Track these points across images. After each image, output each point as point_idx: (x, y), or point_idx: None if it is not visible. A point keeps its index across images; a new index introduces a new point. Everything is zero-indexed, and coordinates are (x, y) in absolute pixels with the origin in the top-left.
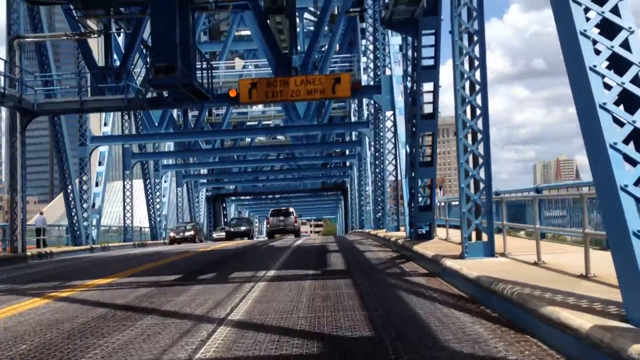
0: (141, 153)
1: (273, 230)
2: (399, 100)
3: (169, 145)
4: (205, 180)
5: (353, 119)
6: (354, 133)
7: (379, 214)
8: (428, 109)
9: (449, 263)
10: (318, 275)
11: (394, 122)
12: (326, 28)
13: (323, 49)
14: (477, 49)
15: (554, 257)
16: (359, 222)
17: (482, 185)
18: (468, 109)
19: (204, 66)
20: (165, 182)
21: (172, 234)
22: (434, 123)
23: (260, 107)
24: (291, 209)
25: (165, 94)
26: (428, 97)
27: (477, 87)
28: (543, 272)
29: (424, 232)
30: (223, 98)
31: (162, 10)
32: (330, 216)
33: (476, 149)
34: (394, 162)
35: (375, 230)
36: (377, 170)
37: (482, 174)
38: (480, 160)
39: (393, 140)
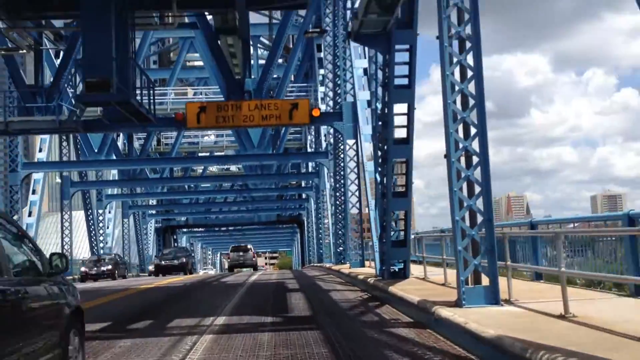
0: (82, 182)
1: (233, 265)
2: (366, 127)
3: (113, 174)
4: (154, 212)
5: (310, 150)
6: (310, 164)
7: (340, 248)
8: (401, 133)
9: (445, 313)
10: (279, 325)
11: (357, 150)
12: (280, 60)
13: (278, 77)
14: (470, 57)
15: (575, 304)
16: (317, 256)
17: (480, 218)
18: (460, 127)
19: (147, 85)
20: (109, 212)
21: (83, 269)
22: (408, 148)
23: (212, 137)
24: (249, 246)
25: (99, 112)
26: (401, 120)
27: (472, 102)
28: (584, 331)
29: (396, 269)
30: (168, 122)
31: (95, 21)
32: (286, 249)
33: (472, 174)
34: (357, 193)
35: (336, 265)
36: (338, 202)
37: (479, 205)
38: (478, 188)
39: (356, 170)
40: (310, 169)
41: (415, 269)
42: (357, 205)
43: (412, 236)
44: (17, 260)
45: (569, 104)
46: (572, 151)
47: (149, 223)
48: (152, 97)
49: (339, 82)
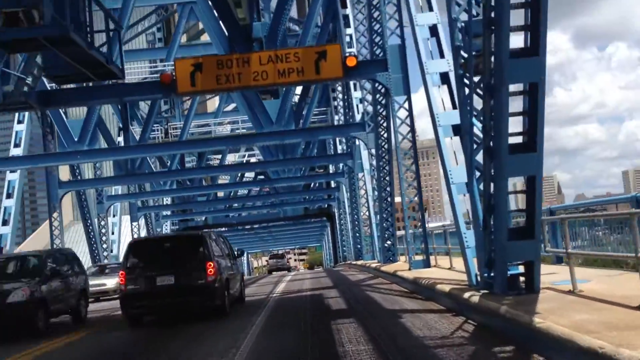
0: (72, 181)
1: (272, 269)
2: (433, 63)
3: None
4: (168, 212)
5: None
6: (340, 147)
7: (389, 242)
8: (519, 40)
9: None
10: None
11: (410, 109)
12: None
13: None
14: None
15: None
16: (354, 252)
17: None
18: None
19: (111, 29)
20: (114, 216)
21: None
22: (536, 64)
23: (227, 126)
24: (284, 253)
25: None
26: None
27: None
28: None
29: (514, 275)
30: (151, 87)
31: None
32: (315, 244)
33: None
34: (413, 167)
35: (385, 264)
36: (383, 184)
37: None
38: None
39: (410, 136)
40: (340, 151)
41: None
42: (415, 184)
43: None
44: None
45: (593, 81)
46: (599, 128)
47: (163, 225)
48: (119, 45)
49: (376, 17)
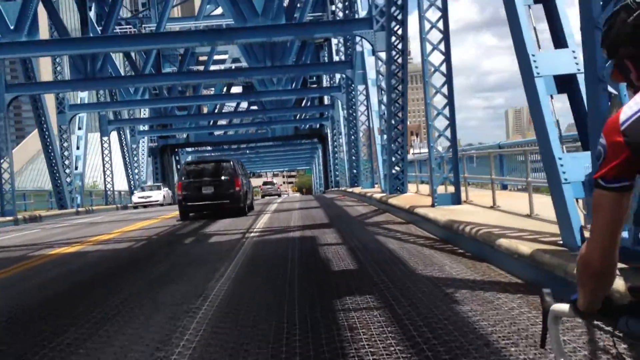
0: (21, 84)
1: (265, 194)
2: None
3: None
4: (146, 127)
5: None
6: (336, 54)
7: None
8: None
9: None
10: None
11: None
12: None
13: None
14: None
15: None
16: (348, 178)
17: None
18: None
19: None
20: (79, 129)
21: None
22: None
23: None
24: (275, 181)
25: None
26: None
27: None
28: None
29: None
30: None
31: None
32: (305, 167)
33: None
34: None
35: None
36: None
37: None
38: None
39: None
40: (337, 60)
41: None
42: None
43: None
44: None
45: None
46: None
47: (140, 141)
48: None
49: None
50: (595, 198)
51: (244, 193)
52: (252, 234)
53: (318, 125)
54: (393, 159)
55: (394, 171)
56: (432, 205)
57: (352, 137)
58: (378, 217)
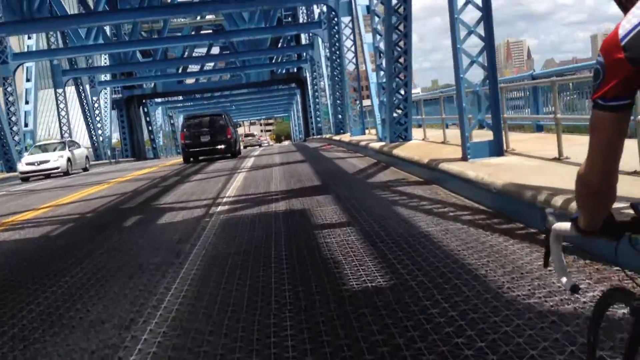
0: None
1: (246, 145)
2: None
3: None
4: (108, 77)
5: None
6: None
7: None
8: None
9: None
10: None
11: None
12: None
13: None
14: None
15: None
16: (333, 124)
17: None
18: None
19: None
20: (28, 81)
21: None
22: None
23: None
24: (255, 133)
25: None
26: None
27: None
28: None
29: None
30: None
31: None
32: (282, 114)
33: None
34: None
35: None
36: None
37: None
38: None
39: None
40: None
41: (416, 133)
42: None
43: None
44: None
45: None
46: None
47: (101, 93)
48: None
49: None
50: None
51: (234, 140)
52: (225, 200)
53: (296, 69)
54: (394, 99)
55: (395, 114)
56: (464, 159)
57: (337, 77)
58: (383, 174)
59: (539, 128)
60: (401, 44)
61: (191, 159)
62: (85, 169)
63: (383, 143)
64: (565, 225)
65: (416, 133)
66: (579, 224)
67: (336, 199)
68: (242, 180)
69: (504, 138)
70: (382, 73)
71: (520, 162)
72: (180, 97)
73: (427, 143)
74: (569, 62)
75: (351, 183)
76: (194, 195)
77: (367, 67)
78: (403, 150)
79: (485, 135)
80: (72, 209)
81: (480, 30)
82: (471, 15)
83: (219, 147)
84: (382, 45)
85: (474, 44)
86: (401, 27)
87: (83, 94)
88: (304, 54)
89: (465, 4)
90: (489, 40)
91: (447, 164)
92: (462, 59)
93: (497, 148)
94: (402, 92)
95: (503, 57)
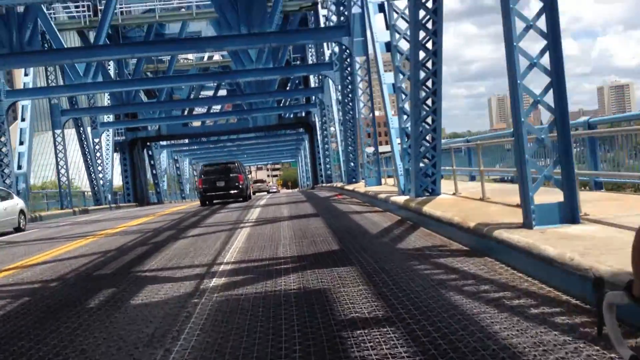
0: None
1: (255, 191)
2: None
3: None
4: (110, 118)
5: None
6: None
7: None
8: None
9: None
10: None
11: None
12: None
13: None
14: None
15: None
16: (345, 173)
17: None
18: None
19: None
20: (22, 120)
21: None
22: None
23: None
24: (265, 179)
25: None
26: None
27: None
28: None
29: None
30: None
31: None
32: (290, 159)
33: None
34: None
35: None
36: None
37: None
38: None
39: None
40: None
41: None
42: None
43: None
44: None
45: None
46: (573, 43)
47: (103, 134)
48: None
49: None
50: None
51: (246, 186)
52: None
53: (304, 113)
54: (420, 147)
55: (421, 164)
56: (527, 226)
57: (349, 122)
58: (413, 236)
59: (598, 186)
60: (429, 83)
61: (207, 202)
62: (18, 229)
63: (407, 197)
64: (618, 294)
65: (443, 186)
66: (633, 292)
67: (362, 274)
68: (245, 238)
69: (578, 199)
70: (404, 117)
71: (611, 235)
72: (186, 141)
73: (461, 199)
74: (577, 114)
75: (377, 248)
76: (187, 257)
77: (387, 110)
78: (436, 208)
79: (547, 193)
80: (38, 273)
81: (546, 60)
82: (527, 44)
83: (232, 191)
84: (404, 86)
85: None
86: (429, 65)
87: (83, 136)
88: (313, 97)
89: (526, 30)
90: (556, 73)
91: (507, 232)
92: (521, 97)
93: (570, 213)
94: (430, 139)
95: (509, 107)
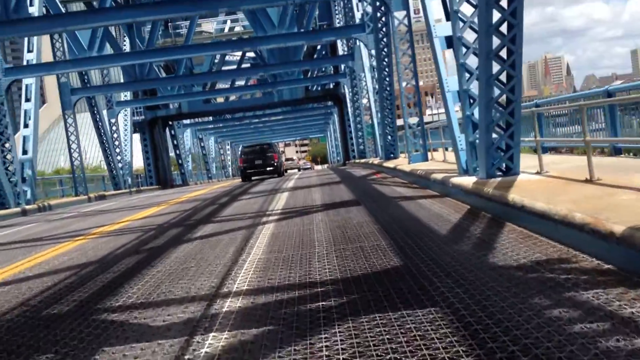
0: None
1: (286, 168)
2: None
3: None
4: (127, 97)
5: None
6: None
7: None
8: None
9: None
10: None
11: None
12: None
13: None
14: None
15: None
16: (383, 148)
17: None
18: None
19: None
20: (27, 100)
21: None
22: None
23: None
24: (294, 157)
25: None
26: None
27: None
28: None
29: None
30: None
31: None
32: (318, 135)
33: None
34: None
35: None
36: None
37: None
38: None
39: None
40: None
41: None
42: None
43: None
44: None
45: None
46: (603, 6)
47: (120, 114)
48: None
49: None
50: None
51: (280, 163)
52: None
53: (332, 85)
54: (493, 114)
55: (494, 135)
56: None
57: (386, 91)
58: (507, 240)
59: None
60: (503, 28)
61: (247, 179)
62: None
63: (474, 178)
64: None
65: (532, 160)
66: None
67: (461, 330)
68: (266, 242)
69: None
70: (467, 76)
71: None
72: (210, 118)
73: (556, 181)
74: (609, 78)
75: (460, 264)
76: (183, 280)
77: (440, 69)
78: (527, 195)
79: None
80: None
81: None
82: None
83: (269, 168)
84: (466, 35)
85: None
86: (503, 1)
87: (98, 116)
88: (342, 66)
89: None
90: None
91: None
92: None
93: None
94: (504, 102)
95: (541, 74)
